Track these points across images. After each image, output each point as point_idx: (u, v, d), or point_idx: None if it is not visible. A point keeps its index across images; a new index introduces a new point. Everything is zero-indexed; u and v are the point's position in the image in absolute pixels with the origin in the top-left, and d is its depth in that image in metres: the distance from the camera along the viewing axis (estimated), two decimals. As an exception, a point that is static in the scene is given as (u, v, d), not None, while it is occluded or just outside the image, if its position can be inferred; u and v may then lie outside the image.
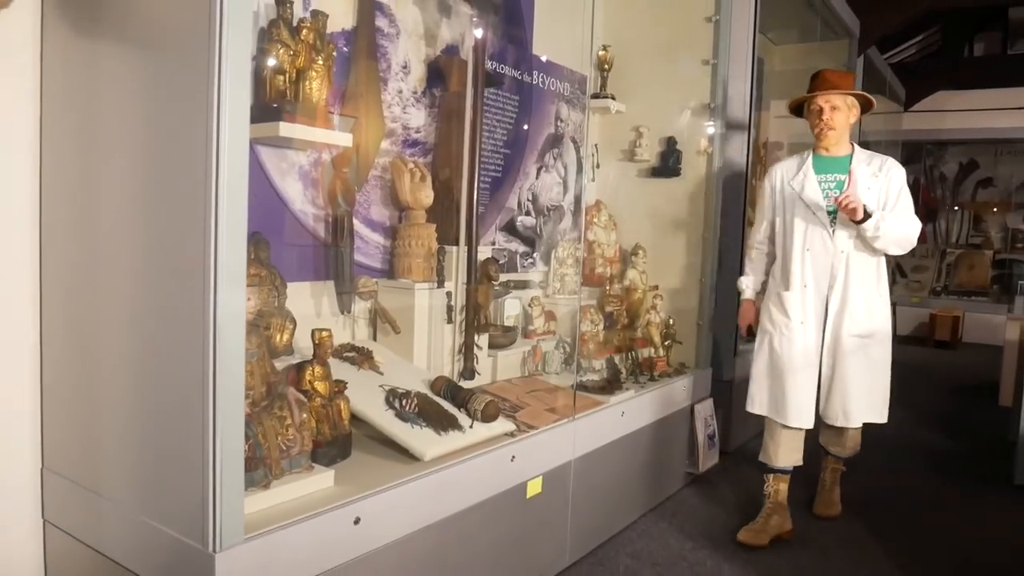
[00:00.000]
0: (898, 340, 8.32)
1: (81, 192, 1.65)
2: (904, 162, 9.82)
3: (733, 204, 3.61)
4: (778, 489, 2.82)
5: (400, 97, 2.51)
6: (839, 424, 2.75)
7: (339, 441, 1.86)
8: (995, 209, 9.52)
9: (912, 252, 9.69)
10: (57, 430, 1.75)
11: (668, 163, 3.46)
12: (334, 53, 2.10)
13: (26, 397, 1.75)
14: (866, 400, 2.72)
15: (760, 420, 2.87)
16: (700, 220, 3.44)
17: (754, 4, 3.56)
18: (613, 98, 3.46)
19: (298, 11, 2.07)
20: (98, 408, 1.63)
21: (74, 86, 1.65)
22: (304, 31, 1.99)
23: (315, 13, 2.07)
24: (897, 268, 9.42)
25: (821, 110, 2.64)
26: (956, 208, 9.73)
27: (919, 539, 2.83)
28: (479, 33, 2.55)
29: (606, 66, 3.49)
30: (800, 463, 2.84)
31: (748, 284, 2.95)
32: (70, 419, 1.71)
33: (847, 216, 2.51)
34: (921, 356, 7.40)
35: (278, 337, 2.01)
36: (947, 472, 3.68)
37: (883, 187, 2.62)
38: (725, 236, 3.51)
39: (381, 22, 2.42)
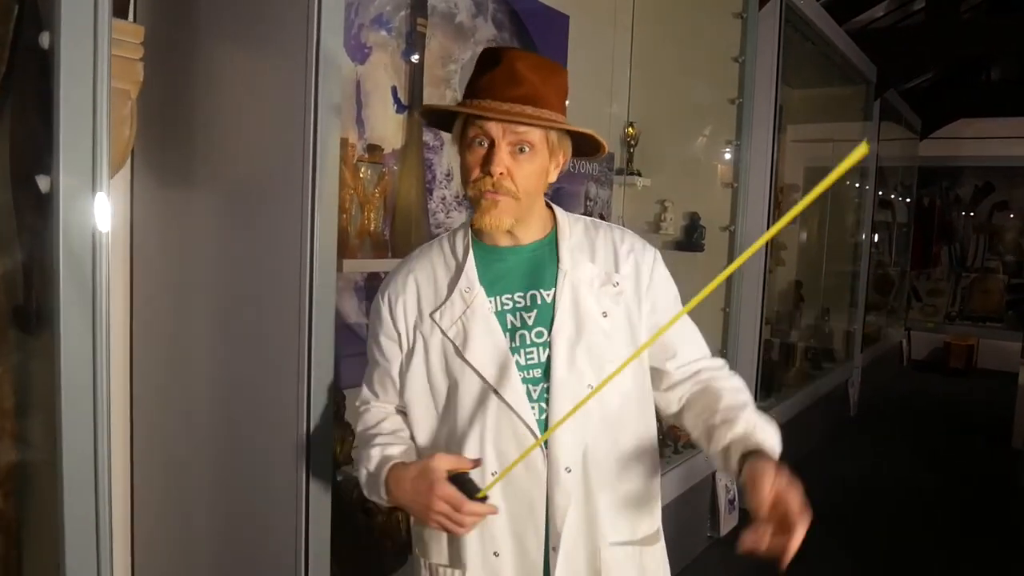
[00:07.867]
0: (913, 366, 8.54)
1: (172, 312, 1.85)
2: (920, 186, 9.68)
3: (752, 282, 3.74)
4: None
5: (444, 203, 2.68)
6: None
7: (398, 551, 2.05)
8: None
9: (928, 275, 9.98)
10: (147, 548, 1.95)
11: (692, 238, 3.63)
12: (388, 178, 2.28)
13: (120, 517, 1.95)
14: None
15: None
16: (720, 295, 3.60)
17: (774, 91, 3.71)
18: (639, 174, 3.62)
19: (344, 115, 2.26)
20: (193, 543, 1.82)
21: (162, 223, 1.85)
22: (363, 169, 2.17)
23: (371, 148, 2.25)
24: (913, 292, 9.52)
25: (491, 148, 1.17)
26: (972, 232, 9.79)
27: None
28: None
29: (632, 142, 3.66)
30: None
31: (377, 453, 1.26)
32: (163, 544, 1.91)
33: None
34: (937, 386, 7.54)
35: (338, 448, 2.19)
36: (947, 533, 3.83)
37: (636, 302, 1.30)
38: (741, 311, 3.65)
39: (427, 136, 2.60)
